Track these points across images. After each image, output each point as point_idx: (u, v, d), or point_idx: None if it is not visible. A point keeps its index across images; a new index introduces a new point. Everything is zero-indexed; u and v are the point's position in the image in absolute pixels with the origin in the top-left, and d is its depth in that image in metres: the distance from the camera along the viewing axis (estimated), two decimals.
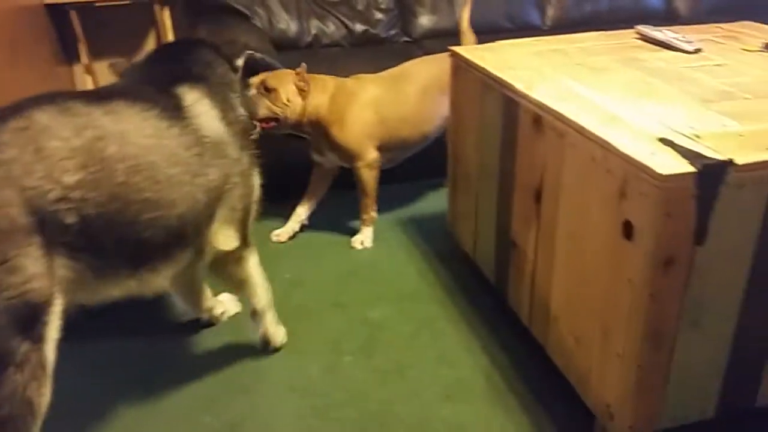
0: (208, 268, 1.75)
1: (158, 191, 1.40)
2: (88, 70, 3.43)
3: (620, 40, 2.16)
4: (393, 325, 2.03)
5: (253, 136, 1.77)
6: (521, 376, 1.80)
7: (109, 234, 1.34)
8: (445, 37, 2.95)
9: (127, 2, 3.31)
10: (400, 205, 2.73)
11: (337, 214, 2.62)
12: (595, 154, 1.41)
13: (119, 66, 1.75)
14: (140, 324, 2.04)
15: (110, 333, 1.99)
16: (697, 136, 1.37)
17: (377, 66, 2.52)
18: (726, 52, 1.99)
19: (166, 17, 3.44)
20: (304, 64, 2.29)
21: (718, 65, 1.86)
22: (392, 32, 3.27)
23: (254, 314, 1.84)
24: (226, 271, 1.73)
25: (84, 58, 3.40)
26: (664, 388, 1.41)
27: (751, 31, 2.20)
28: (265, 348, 1.89)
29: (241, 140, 1.64)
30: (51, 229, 1.24)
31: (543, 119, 1.61)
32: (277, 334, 1.89)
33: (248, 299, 1.82)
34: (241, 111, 1.70)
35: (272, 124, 2.27)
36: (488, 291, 2.10)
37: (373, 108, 2.34)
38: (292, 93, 2.27)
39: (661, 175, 1.23)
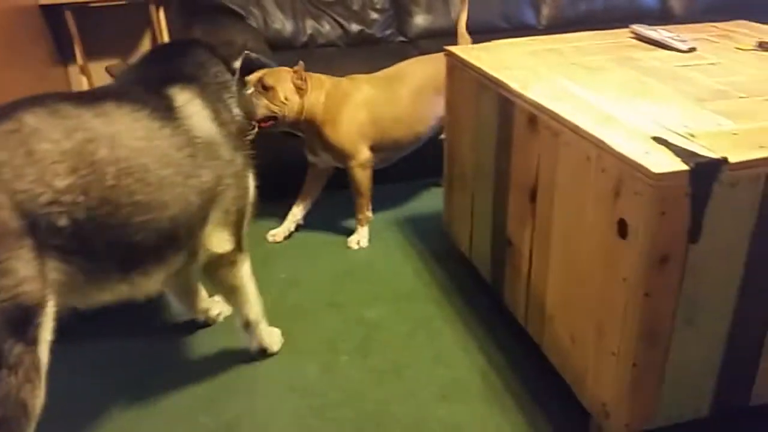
0: (201, 272, 1.73)
1: (150, 193, 1.39)
2: (83, 71, 3.42)
3: (615, 40, 2.16)
4: (389, 324, 2.03)
5: (250, 137, 1.77)
6: (517, 376, 1.80)
7: (101, 236, 1.33)
8: (440, 37, 2.95)
9: (122, 3, 3.31)
10: (396, 205, 2.73)
11: (333, 214, 2.62)
12: (590, 154, 1.41)
13: (115, 68, 1.75)
14: (137, 325, 2.03)
15: (107, 333, 1.99)
16: (692, 135, 1.37)
17: (373, 66, 2.52)
18: (720, 51, 1.99)
19: (161, 18, 3.44)
20: (301, 62, 2.28)
21: (712, 64, 1.87)
22: (388, 32, 3.27)
23: (247, 325, 1.81)
24: (218, 276, 1.71)
25: (79, 58, 3.39)
26: (659, 386, 1.41)
27: (745, 30, 2.21)
28: (262, 354, 1.87)
29: (234, 141, 1.62)
30: (42, 232, 1.24)
31: (538, 119, 1.61)
32: (273, 341, 1.88)
33: (239, 309, 1.78)
34: (236, 111, 1.69)
35: (270, 122, 2.27)
36: (484, 290, 2.11)
37: (366, 108, 2.34)
38: (290, 91, 2.26)
39: (655, 173, 1.24)
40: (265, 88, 2.24)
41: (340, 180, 2.44)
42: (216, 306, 2.02)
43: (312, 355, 1.90)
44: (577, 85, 1.71)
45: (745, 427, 1.61)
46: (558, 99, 1.61)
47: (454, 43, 2.44)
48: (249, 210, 1.72)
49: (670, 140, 1.35)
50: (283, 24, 3.12)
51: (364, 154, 2.36)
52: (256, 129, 1.86)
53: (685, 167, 1.25)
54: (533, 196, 1.67)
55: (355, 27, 3.21)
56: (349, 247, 2.44)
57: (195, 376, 1.81)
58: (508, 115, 1.75)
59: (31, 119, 1.27)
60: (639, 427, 1.44)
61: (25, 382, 1.23)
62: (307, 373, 1.83)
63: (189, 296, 1.97)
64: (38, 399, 1.27)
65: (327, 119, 2.30)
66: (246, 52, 1.85)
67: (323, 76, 2.37)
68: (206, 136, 1.53)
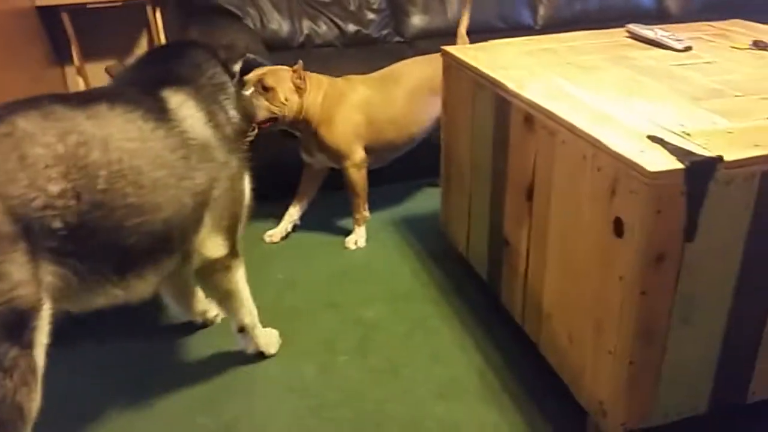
0: (195, 277, 1.73)
1: (143, 195, 1.39)
2: (80, 72, 3.42)
3: (610, 39, 2.17)
4: (387, 324, 2.03)
5: (249, 138, 1.76)
6: (515, 375, 1.81)
7: (95, 239, 1.33)
8: (437, 37, 2.95)
9: (119, 4, 3.30)
10: (393, 205, 2.73)
11: (330, 215, 2.62)
12: (586, 153, 1.42)
13: (115, 68, 1.74)
14: (136, 326, 2.03)
15: (106, 334, 1.99)
16: (687, 134, 1.38)
17: (370, 66, 2.52)
18: (716, 50, 2.00)
19: (158, 19, 3.43)
20: (300, 61, 2.28)
21: (707, 63, 1.87)
22: (384, 32, 3.27)
23: (242, 330, 1.81)
24: (213, 281, 1.70)
25: (76, 59, 3.38)
26: (656, 384, 1.41)
27: (740, 29, 2.22)
28: (260, 356, 1.87)
29: (229, 144, 1.61)
30: (36, 235, 1.24)
31: (534, 118, 1.61)
32: (270, 343, 1.88)
33: (234, 314, 1.78)
34: (233, 113, 1.67)
35: (269, 123, 2.27)
36: (481, 290, 2.11)
37: (361, 109, 2.34)
38: (290, 91, 2.26)
39: (650, 172, 1.24)
40: (265, 89, 2.24)
41: (336, 181, 2.44)
42: (213, 308, 2.01)
43: (310, 356, 1.90)
44: (572, 84, 1.71)
45: (742, 425, 1.61)
46: (554, 98, 1.61)
47: (452, 43, 2.44)
48: (244, 214, 1.71)
49: (666, 139, 1.35)
50: (279, 24, 3.12)
51: (359, 154, 2.36)
52: (256, 131, 1.86)
53: (680, 166, 1.25)
54: (530, 196, 1.68)
55: (351, 27, 3.21)
56: (346, 248, 2.44)
57: (193, 377, 1.81)
58: (505, 115, 1.75)
59: (24, 123, 1.27)
60: (636, 425, 1.45)
61: (21, 385, 1.23)
62: (305, 374, 1.83)
63: (186, 299, 1.97)
64: (34, 402, 1.27)
65: (323, 119, 2.30)
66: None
67: (322, 76, 2.37)
68: (200, 138, 1.52)
